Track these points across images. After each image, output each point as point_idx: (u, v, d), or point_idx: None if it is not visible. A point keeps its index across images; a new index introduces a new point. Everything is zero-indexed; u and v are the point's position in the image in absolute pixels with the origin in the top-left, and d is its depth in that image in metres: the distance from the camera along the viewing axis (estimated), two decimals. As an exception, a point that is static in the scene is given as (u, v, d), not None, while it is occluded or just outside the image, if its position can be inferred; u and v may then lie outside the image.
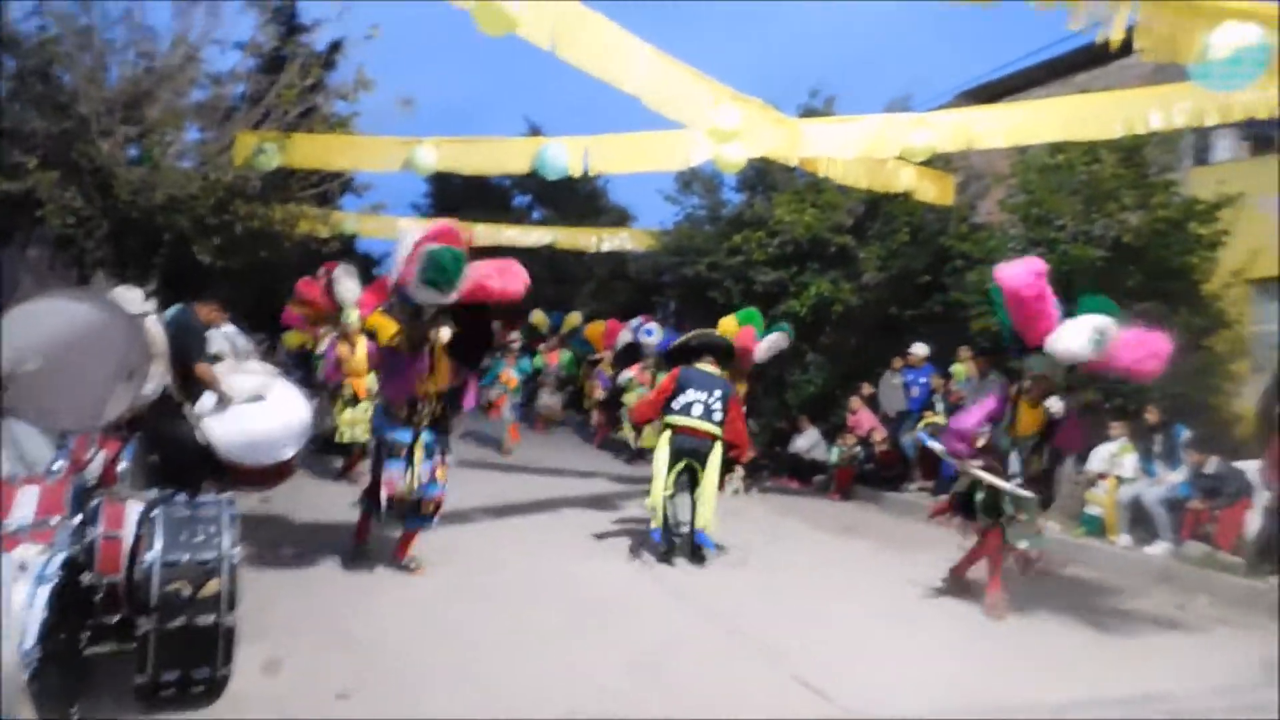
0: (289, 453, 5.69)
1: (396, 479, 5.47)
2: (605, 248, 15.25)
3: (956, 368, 10.17)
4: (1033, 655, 4.84)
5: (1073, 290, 8.37)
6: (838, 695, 4.02)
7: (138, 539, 3.44)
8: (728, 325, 8.95)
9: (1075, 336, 5.22)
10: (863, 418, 10.32)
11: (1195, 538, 7.18)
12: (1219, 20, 4.58)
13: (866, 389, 10.91)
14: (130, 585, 3.38)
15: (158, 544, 3.32)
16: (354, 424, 8.54)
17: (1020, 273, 5.35)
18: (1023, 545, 5.64)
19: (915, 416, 10.25)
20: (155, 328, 4.55)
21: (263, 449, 5.53)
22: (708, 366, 6.89)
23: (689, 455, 6.53)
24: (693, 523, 6.50)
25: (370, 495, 5.73)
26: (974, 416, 5.83)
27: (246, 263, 9.78)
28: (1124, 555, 7.34)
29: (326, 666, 4.06)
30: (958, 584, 6.04)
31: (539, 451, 12.35)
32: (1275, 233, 8.37)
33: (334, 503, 7.43)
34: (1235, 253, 8.59)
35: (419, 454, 5.54)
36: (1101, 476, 8.03)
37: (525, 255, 20.71)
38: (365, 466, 6.43)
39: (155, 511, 3.45)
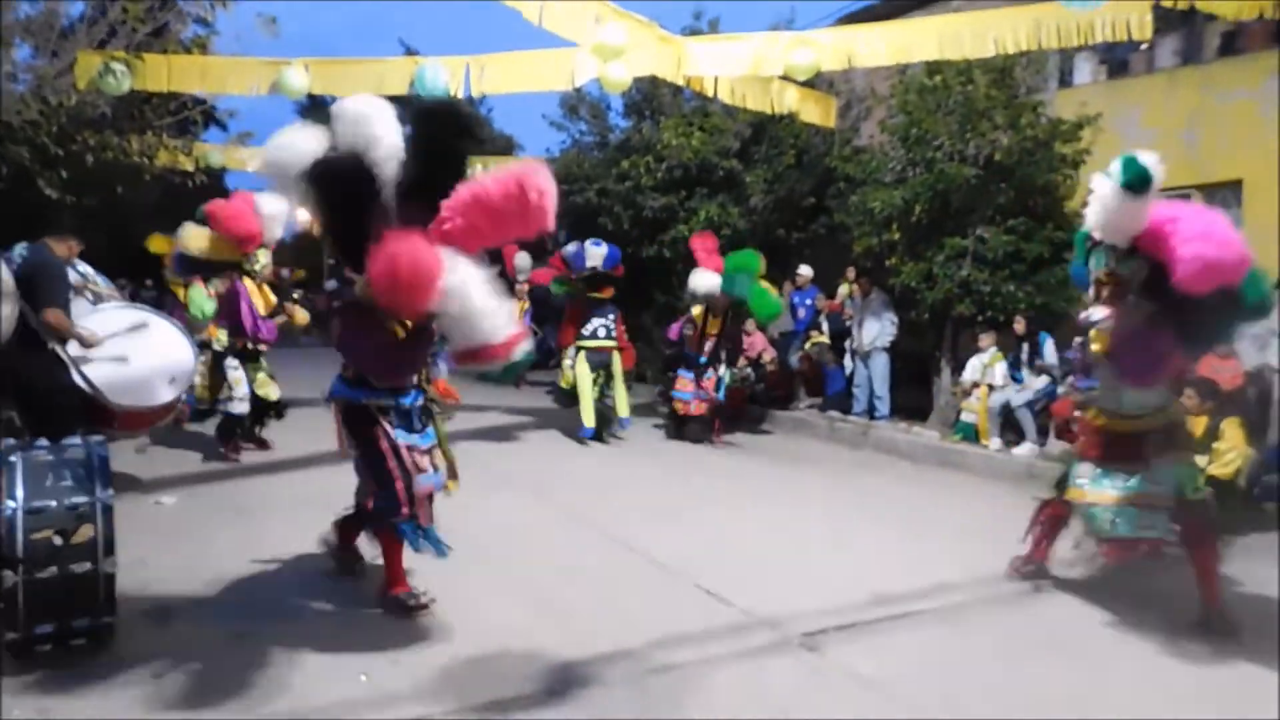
0: (168, 395, 5.39)
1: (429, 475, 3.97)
2: (492, 177, 14.79)
3: (842, 288, 10.49)
4: (909, 554, 5.16)
5: (949, 208, 8.78)
6: (738, 600, 4.18)
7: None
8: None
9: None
10: (755, 340, 10.56)
11: (1059, 437, 7.73)
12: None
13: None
14: (-9, 537, 3.16)
15: (19, 492, 3.10)
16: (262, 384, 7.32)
17: None
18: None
19: (801, 336, 10.56)
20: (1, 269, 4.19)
21: (141, 391, 5.22)
22: (601, 295, 8.91)
23: (600, 367, 8.67)
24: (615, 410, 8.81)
25: (386, 506, 3.86)
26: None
27: (101, 199, 9.04)
28: (995, 457, 7.85)
29: (219, 612, 3.93)
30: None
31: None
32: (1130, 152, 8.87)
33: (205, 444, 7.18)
34: (1094, 171, 9.07)
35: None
36: (975, 385, 8.52)
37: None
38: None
39: (13, 458, 3.21)
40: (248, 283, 7.03)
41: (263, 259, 6.99)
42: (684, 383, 8.89)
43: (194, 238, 6.36)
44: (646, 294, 12.36)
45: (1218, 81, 8.88)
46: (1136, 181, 3.65)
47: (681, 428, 9.04)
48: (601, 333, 8.74)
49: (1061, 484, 4.41)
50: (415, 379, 4.02)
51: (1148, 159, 3.70)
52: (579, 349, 8.80)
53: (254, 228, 6.52)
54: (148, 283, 15.18)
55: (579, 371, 8.70)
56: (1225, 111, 8.69)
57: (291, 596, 4.14)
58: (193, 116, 10.02)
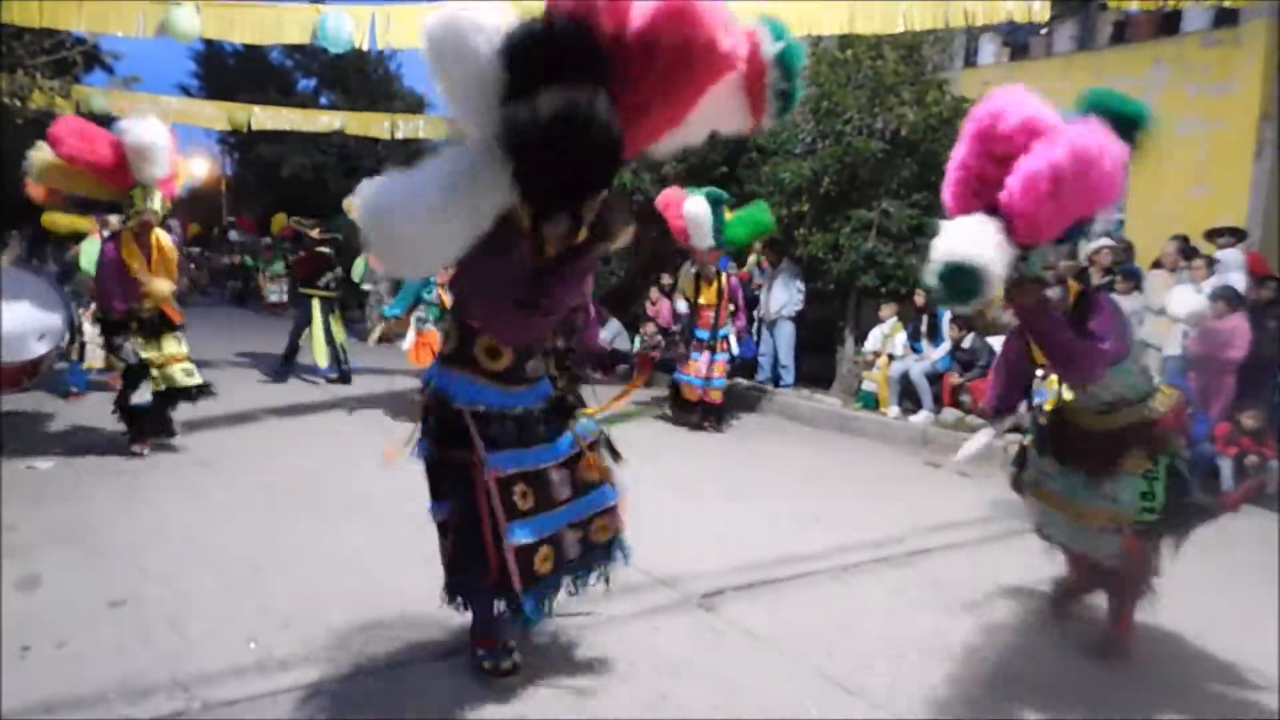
0: (38, 349, 5.07)
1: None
2: (400, 135, 14.33)
3: (751, 258, 10.60)
4: (806, 515, 5.30)
5: (857, 181, 8.96)
6: (637, 560, 4.20)
7: None
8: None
9: None
10: (663, 308, 10.58)
11: (952, 405, 8.06)
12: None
13: (666, 280, 11.16)
14: None
15: None
16: (167, 363, 5.74)
17: None
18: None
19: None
20: None
21: (6, 346, 4.89)
22: None
23: None
24: None
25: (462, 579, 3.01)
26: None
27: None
28: (893, 424, 8.13)
29: (94, 579, 3.74)
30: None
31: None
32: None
33: (92, 410, 6.78)
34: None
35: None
36: (876, 355, 8.78)
37: (311, 142, 19.26)
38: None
39: None
40: (126, 234, 5.56)
41: (148, 202, 5.48)
42: (693, 365, 7.88)
43: (43, 168, 5.46)
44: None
45: (1108, 68, 9.29)
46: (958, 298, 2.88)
47: (701, 416, 7.97)
48: None
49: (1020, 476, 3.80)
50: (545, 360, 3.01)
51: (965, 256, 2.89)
52: None
53: (103, 156, 5.30)
54: (12, 233, 14.01)
55: None
56: (1114, 97, 9.10)
57: (174, 561, 3.96)
58: (72, 56, 9.35)
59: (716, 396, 7.93)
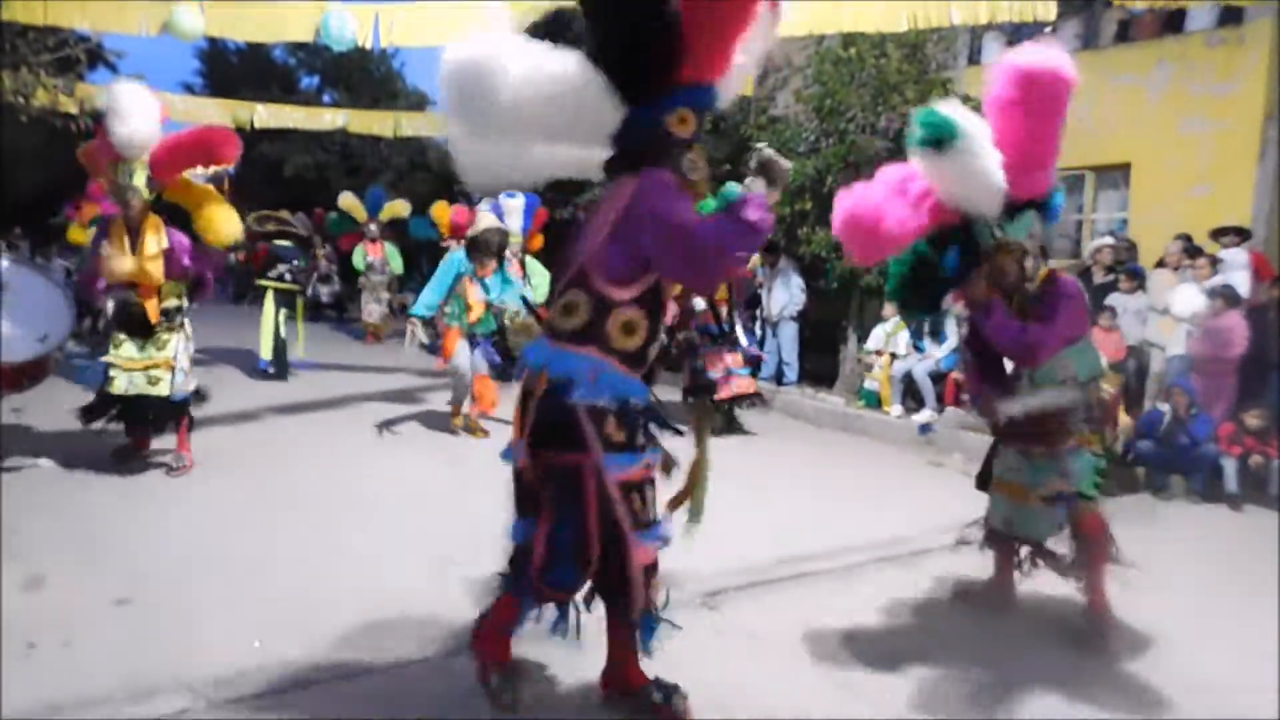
0: (39, 350, 5.06)
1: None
2: (403, 133, 14.31)
3: (754, 257, 10.60)
4: (809, 515, 5.30)
5: (860, 179, 8.93)
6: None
7: None
8: None
9: None
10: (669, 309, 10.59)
11: (955, 404, 8.05)
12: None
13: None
14: None
15: None
16: (132, 367, 5.18)
17: None
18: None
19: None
20: None
21: (6, 345, 4.89)
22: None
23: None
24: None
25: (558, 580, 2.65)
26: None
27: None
28: (895, 423, 8.12)
29: (98, 578, 3.74)
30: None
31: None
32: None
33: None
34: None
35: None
36: (878, 354, 8.78)
37: (314, 141, 19.26)
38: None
39: None
40: (118, 220, 5.10)
41: (125, 178, 4.96)
42: (712, 359, 7.33)
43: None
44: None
45: (1112, 67, 9.26)
46: (931, 137, 3.12)
47: (729, 417, 7.68)
48: None
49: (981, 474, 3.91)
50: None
51: (948, 108, 3.18)
52: None
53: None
54: (16, 230, 13.99)
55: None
56: (1117, 96, 9.07)
57: (177, 560, 3.97)
58: (75, 54, 9.33)
59: (747, 385, 7.48)
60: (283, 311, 9.50)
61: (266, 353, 9.36)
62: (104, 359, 5.22)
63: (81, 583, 3.68)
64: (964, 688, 3.16)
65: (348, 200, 13.94)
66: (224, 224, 5.29)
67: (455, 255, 6.97)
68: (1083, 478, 3.46)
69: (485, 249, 6.84)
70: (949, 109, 3.16)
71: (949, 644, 3.51)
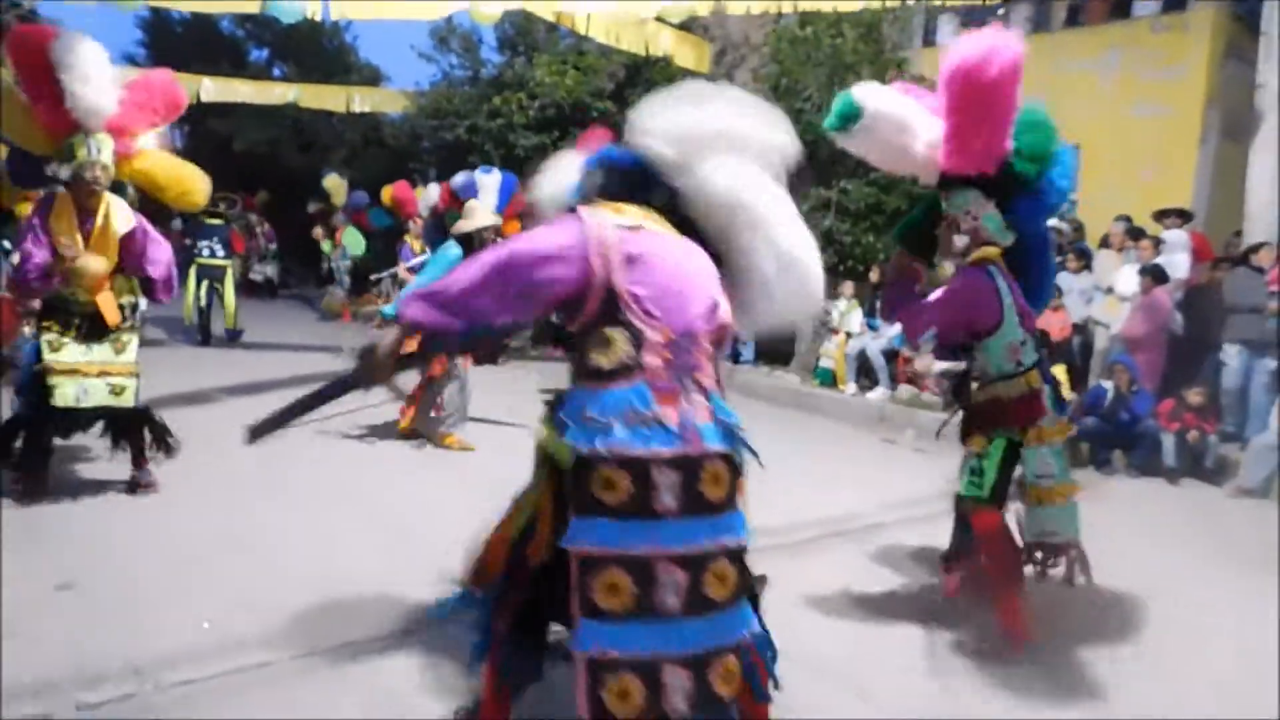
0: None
1: None
2: (356, 108, 14.08)
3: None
4: (759, 492, 5.35)
5: (815, 159, 8.99)
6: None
7: None
8: None
9: None
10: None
11: (907, 382, 8.19)
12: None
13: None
14: None
15: None
16: (78, 374, 4.30)
17: None
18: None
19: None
20: None
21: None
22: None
23: None
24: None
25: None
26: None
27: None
28: (849, 401, 8.24)
29: (36, 563, 3.63)
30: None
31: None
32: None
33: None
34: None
35: None
36: (833, 332, 8.88)
37: (266, 116, 18.88)
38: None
39: None
40: (63, 197, 4.25)
41: (93, 154, 4.13)
42: None
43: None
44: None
45: (1062, 51, 9.42)
46: (837, 116, 3.38)
47: None
48: None
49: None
50: None
51: (862, 90, 3.36)
52: None
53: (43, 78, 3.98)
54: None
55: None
56: (1068, 79, 9.24)
57: (123, 543, 3.90)
58: (6, 20, 8.99)
59: None
60: (204, 284, 10.42)
61: (189, 319, 10.49)
62: (37, 365, 4.28)
63: (20, 568, 3.58)
64: (920, 660, 3.24)
65: (332, 180, 14.65)
66: (196, 181, 4.71)
67: (453, 253, 6.74)
68: (962, 482, 3.47)
69: (482, 248, 6.64)
70: (862, 91, 3.38)
71: (903, 618, 3.59)
